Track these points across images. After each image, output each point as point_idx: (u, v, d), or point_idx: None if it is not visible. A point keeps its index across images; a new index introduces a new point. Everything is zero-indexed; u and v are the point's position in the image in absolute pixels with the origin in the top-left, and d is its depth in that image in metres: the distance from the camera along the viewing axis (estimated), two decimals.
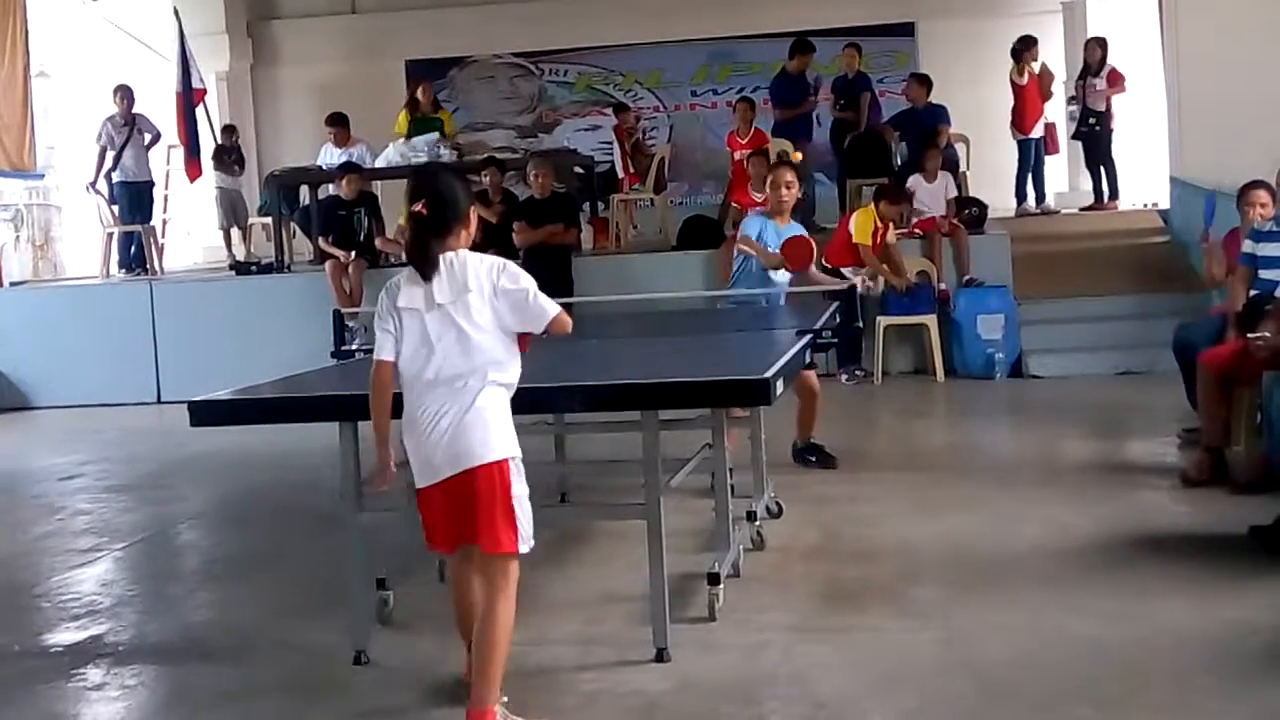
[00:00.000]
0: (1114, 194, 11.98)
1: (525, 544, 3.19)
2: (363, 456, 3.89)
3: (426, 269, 3.18)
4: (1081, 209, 12.07)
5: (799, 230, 6.33)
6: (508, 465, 3.17)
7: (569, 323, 3.27)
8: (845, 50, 11.85)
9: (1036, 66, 11.77)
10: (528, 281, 3.21)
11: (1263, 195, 6.27)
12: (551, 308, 3.23)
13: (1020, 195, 12.05)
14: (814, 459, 6.40)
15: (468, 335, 3.15)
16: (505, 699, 3.23)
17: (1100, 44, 11.86)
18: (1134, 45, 12.72)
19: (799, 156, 9.68)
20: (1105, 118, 11.76)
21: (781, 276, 6.23)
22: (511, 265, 3.24)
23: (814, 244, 6.29)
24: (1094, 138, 11.88)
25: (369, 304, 9.61)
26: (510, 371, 3.24)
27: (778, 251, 6.09)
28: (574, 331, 3.35)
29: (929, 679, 3.52)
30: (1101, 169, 11.94)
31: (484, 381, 3.16)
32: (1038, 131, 11.81)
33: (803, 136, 11.16)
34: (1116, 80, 11.62)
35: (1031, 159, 11.94)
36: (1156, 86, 11.40)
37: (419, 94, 12.02)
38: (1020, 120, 11.83)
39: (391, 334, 3.22)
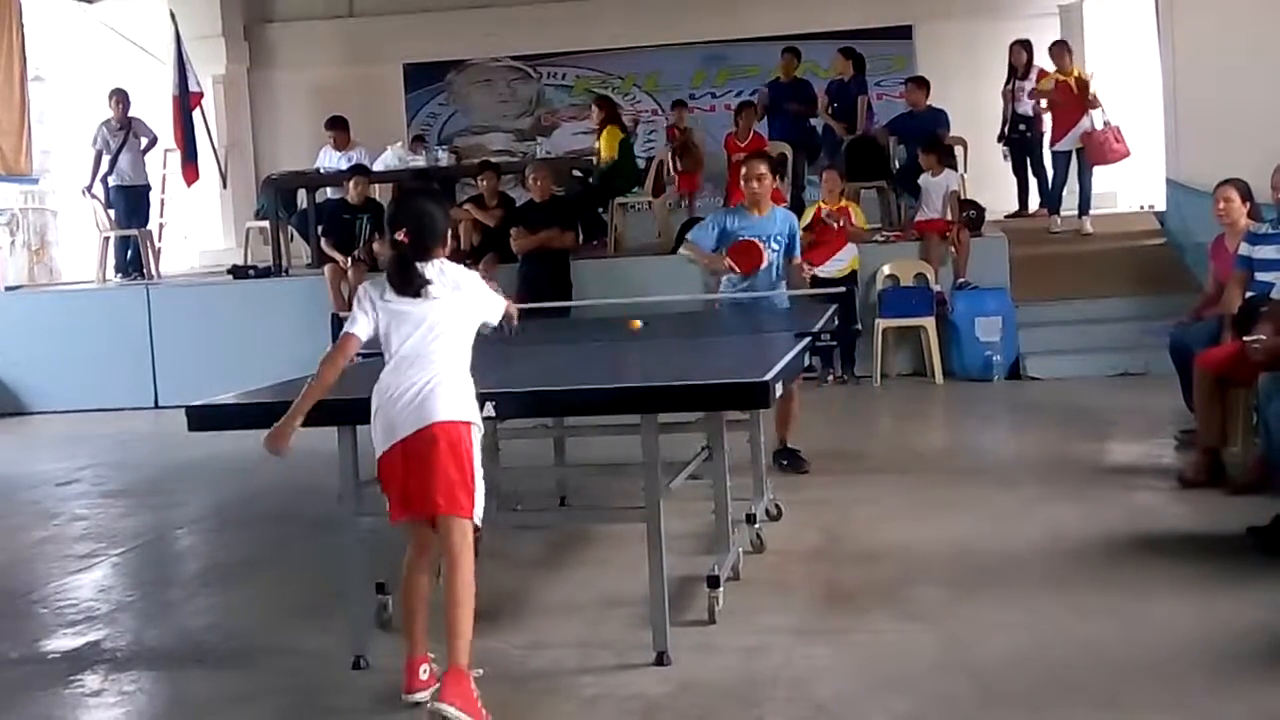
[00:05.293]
0: (1049, 204, 11.15)
1: (478, 516, 3.38)
2: (361, 461, 3.89)
3: (409, 291, 3.42)
4: (1006, 216, 11.57)
5: (783, 217, 6.32)
6: (470, 429, 3.39)
7: (513, 308, 3.80)
8: (836, 55, 11.83)
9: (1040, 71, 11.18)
10: (482, 286, 3.62)
11: (1226, 191, 6.35)
12: (498, 300, 3.69)
13: (1049, 205, 11.21)
14: (785, 462, 6.36)
15: (449, 325, 3.43)
16: (479, 671, 3.33)
17: (1025, 46, 11.38)
18: (1131, 48, 12.73)
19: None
20: (1034, 123, 11.25)
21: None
22: (476, 276, 3.64)
23: (760, 248, 6.10)
24: (1022, 144, 11.42)
25: None
26: (468, 355, 3.55)
27: (734, 246, 6.09)
28: (574, 334, 3.42)
29: (929, 680, 3.53)
30: (1031, 177, 11.47)
31: (452, 361, 3.43)
32: (1065, 144, 10.76)
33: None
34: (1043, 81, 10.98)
35: (1062, 170, 10.94)
36: (1154, 89, 11.37)
37: None
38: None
39: (369, 316, 3.46)
